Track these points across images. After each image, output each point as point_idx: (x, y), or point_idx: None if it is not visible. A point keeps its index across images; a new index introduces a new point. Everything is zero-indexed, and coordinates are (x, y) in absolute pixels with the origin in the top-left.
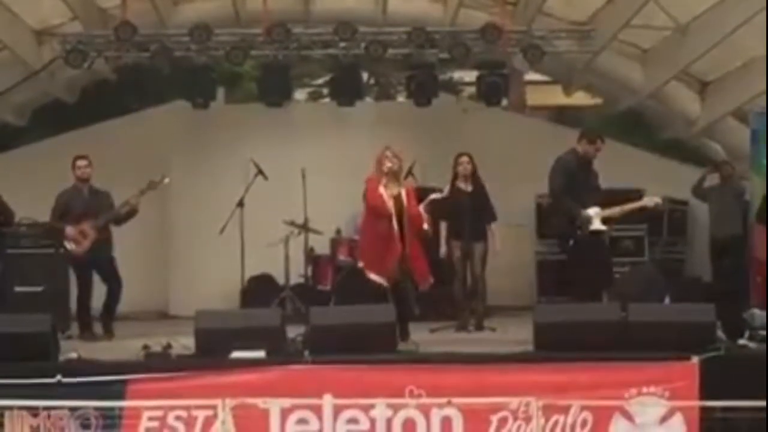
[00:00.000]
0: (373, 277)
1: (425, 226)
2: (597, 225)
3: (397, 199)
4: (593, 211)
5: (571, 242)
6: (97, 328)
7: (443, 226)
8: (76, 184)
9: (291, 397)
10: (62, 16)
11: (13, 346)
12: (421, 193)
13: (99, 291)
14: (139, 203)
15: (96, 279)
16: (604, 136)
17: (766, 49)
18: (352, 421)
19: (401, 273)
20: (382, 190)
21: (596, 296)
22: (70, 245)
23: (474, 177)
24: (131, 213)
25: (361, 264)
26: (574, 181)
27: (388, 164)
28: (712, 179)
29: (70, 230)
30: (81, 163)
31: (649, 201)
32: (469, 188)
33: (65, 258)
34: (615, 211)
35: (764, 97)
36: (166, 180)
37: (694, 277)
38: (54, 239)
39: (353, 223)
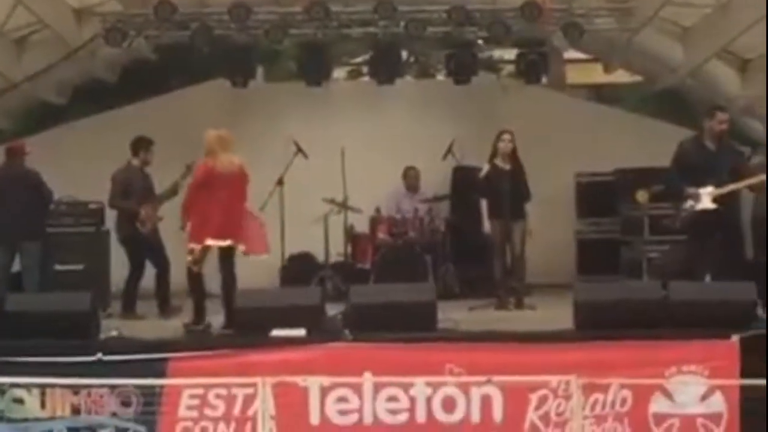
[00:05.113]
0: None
1: None
2: (705, 204)
3: None
4: (704, 191)
5: (678, 224)
6: (142, 307)
7: (483, 204)
8: (132, 164)
9: (331, 376)
10: None
11: (53, 324)
12: (460, 172)
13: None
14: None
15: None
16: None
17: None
18: (392, 399)
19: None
20: None
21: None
22: (140, 226)
23: (513, 155)
24: (173, 194)
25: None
26: (690, 164)
27: None
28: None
29: (144, 212)
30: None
31: None
32: (508, 166)
33: (130, 239)
34: (730, 187)
35: None
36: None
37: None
38: (125, 220)
39: (393, 202)
